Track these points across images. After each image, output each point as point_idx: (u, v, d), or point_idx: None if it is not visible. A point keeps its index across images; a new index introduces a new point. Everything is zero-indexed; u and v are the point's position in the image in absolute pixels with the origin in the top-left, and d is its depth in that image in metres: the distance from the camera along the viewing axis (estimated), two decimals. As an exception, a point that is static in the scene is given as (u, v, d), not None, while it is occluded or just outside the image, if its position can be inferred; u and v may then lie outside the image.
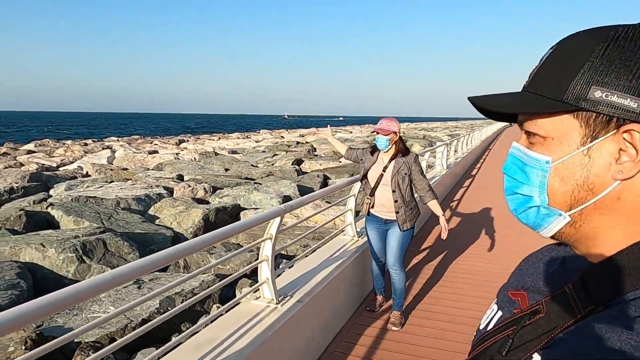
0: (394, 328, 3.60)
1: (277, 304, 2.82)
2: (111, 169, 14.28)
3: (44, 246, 5.48)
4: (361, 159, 3.71)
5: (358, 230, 4.41)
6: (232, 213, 8.26)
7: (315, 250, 3.94)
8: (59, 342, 1.50)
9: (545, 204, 0.59)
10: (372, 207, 3.62)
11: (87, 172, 14.03)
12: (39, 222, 7.34)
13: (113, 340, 3.67)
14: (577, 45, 0.57)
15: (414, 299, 4.18)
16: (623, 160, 0.54)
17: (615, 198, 0.55)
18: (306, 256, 3.82)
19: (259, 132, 46.77)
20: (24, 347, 3.27)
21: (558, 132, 0.57)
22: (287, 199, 9.48)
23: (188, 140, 31.18)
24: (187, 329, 4.19)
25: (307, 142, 26.51)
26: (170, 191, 10.19)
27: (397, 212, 3.50)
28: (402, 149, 3.51)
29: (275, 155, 18.01)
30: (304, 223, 7.28)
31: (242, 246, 6.40)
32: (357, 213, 4.62)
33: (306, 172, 13.79)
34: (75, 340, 3.58)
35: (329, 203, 7.77)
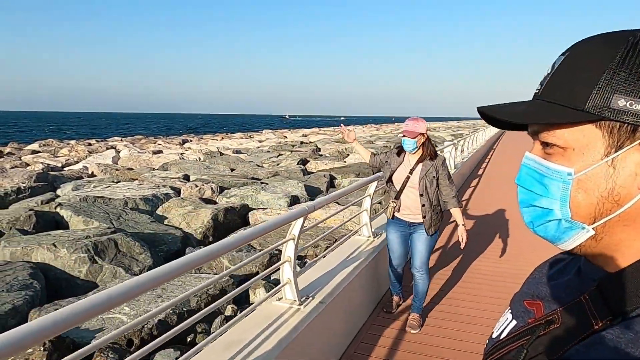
0: (412, 331, 3.57)
1: (299, 305, 2.80)
2: (117, 169, 14.27)
3: (55, 246, 5.47)
4: (386, 161, 3.56)
5: (373, 230, 4.39)
6: (240, 213, 8.24)
7: (331, 251, 3.91)
8: (88, 350, 1.45)
9: (568, 217, 0.56)
10: (398, 210, 3.51)
11: (92, 172, 14.03)
12: (48, 222, 7.33)
13: (130, 340, 3.66)
14: (595, 51, 0.55)
15: (431, 301, 4.16)
16: None
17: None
18: (324, 257, 3.80)
19: (261, 132, 46.78)
20: (42, 349, 3.25)
21: (579, 143, 0.55)
22: (294, 199, 9.47)
23: (191, 140, 31.19)
24: (202, 329, 4.21)
25: (310, 142, 26.50)
26: (177, 191, 10.18)
27: (424, 217, 3.39)
28: (430, 152, 3.39)
29: (280, 155, 17.99)
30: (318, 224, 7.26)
31: (252, 246, 6.38)
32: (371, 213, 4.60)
33: (312, 172, 13.77)
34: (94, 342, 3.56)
35: (338, 203, 7.76)
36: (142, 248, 5.79)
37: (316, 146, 22.52)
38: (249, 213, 8.28)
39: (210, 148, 22.66)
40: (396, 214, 3.55)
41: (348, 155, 17.77)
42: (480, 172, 13.20)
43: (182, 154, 19.02)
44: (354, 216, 4.45)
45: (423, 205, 3.37)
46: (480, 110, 0.62)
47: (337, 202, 8.13)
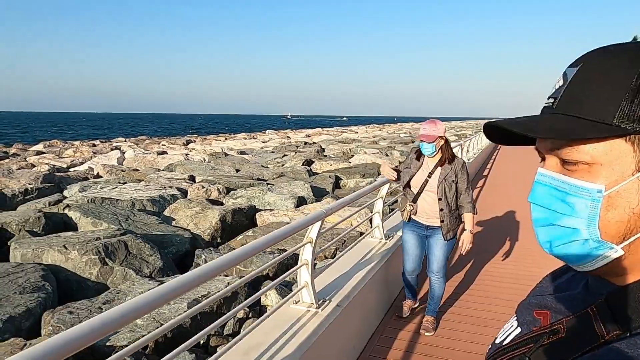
0: (426, 333, 3.56)
1: (317, 308, 2.80)
2: (122, 170, 14.30)
3: (66, 248, 5.48)
4: (407, 167, 3.50)
5: (385, 232, 4.39)
6: (248, 214, 8.24)
7: (344, 253, 3.91)
8: (121, 356, 1.45)
9: (597, 237, 0.54)
10: (415, 214, 3.47)
11: (98, 173, 14.06)
12: (57, 223, 7.35)
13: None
14: (616, 64, 0.53)
15: (444, 303, 4.16)
16: None
17: None
18: (336, 259, 3.80)
19: (264, 133, 46.82)
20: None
21: (607, 158, 0.52)
22: (301, 200, 9.47)
23: (195, 141, 31.23)
24: (216, 332, 4.21)
25: (314, 143, 26.50)
26: (184, 192, 10.20)
27: (442, 221, 3.33)
28: (449, 155, 3.31)
29: (285, 155, 17.99)
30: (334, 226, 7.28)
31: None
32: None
33: (317, 173, 13.77)
34: (108, 344, 3.57)
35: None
36: (152, 250, 5.80)
37: (320, 147, 22.53)
38: (256, 214, 8.29)
39: (214, 149, 22.69)
40: (413, 217, 3.50)
41: (352, 155, 17.77)
42: (485, 173, 13.18)
43: (186, 154, 19.05)
44: (367, 218, 4.45)
45: (441, 210, 3.31)
46: (493, 124, 0.59)
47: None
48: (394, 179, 3.57)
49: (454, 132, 39.02)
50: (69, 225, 7.39)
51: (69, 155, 20.26)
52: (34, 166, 14.72)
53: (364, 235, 4.34)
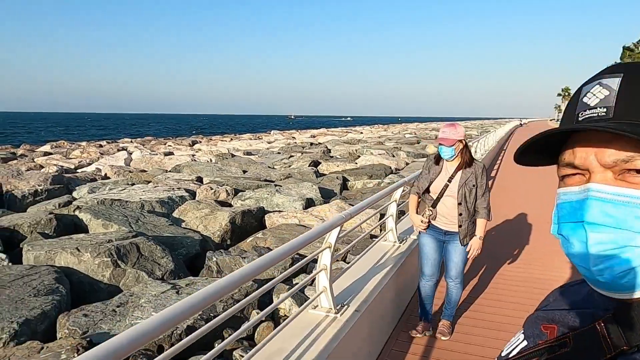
0: (443, 338, 3.56)
1: (336, 313, 2.80)
2: (129, 171, 14.35)
3: (78, 250, 5.50)
4: (427, 172, 3.42)
5: (399, 235, 4.38)
6: (257, 216, 8.25)
7: (359, 257, 3.90)
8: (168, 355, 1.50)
9: None
10: (434, 219, 3.40)
11: (105, 174, 14.10)
12: (68, 225, 7.38)
13: (161, 347, 3.67)
14: None
15: (459, 307, 4.15)
16: None
17: None
18: (352, 264, 3.79)
19: (269, 133, 46.86)
20: (76, 355, 3.27)
21: None
22: (309, 201, 9.47)
23: (201, 141, 31.30)
24: (229, 335, 4.21)
25: (320, 143, 26.50)
26: (192, 193, 10.21)
27: (460, 226, 3.28)
28: (468, 158, 3.25)
29: (292, 156, 17.99)
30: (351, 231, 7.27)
31: (271, 250, 6.38)
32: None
33: (324, 174, 13.77)
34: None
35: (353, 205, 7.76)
36: (163, 252, 5.82)
37: (326, 147, 22.52)
38: (265, 216, 8.29)
39: (220, 149, 22.73)
40: (431, 221, 3.44)
41: (359, 156, 17.75)
42: (493, 174, 13.14)
43: (193, 155, 19.09)
44: (381, 222, 4.44)
45: (460, 214, 3.26)
46: (579, 128, 0.55)
47: (350, 204, 8.13)
48: (424, 228, 3.46)
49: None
50: (79, 227, 7.42)
51: (76, 156, 20.35)
52: (42, 167, 14.78)
53: (377, 238, 4.34)
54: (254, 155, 20.19)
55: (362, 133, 41.27)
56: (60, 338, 3.89)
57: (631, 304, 0.54)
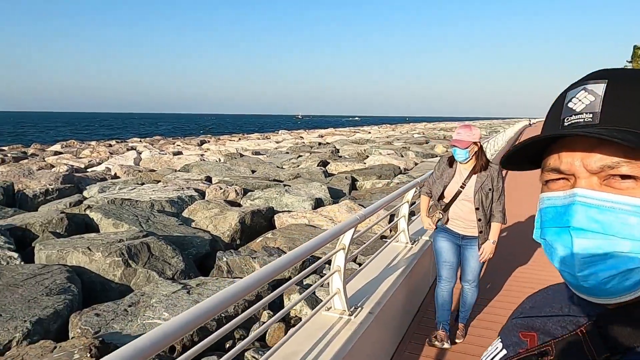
0: (456, 340, 3.52)
1: (349, 315, 2.78)
2: (139, 171, 14.41)
3: (90, 250, 5.52)
4: (439, 177, 3.32)
5: (411, 236, 4.35)
6: (266, 216, 8.25)
7: (372, 259, 3.87)
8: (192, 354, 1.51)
9: None
10: (446, 222, 3.33)
11: (115, 174, 14.18)
12: (79, 224, 7.42)
13: (172, 347, 3.67)
14: None
15: (472, 309, 4.11)
16: None
17: None
18: (365, 265, 3.77)
19: (277, 133, 46.91)
20: (88, 355, 3.28)
21: None
22: (318, 201, 9.46)
23: (209, 141, 31.40)
24: (241, 335, 4.21)
25: (328, 143, 26.48)
26: (201, 193, 10.23)
27: (480, 232, 3.18)
28: (483, 162, 3.14)
29: (300, 156, 17.98)
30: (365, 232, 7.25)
31: (281, 250, 6.38)
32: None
33: (333, 174, 13.74)
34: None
35: (364, 206, 7.74)
36: (173, 251, 5.82)
37: (335, 147, 22.50)
38: (275, 216, 8.29)
39: (229, 149, 22.79)
40: (448, 226, 3.35)
41: (367, 156, 17.71)
42: (504, 173, 13.04)
43: (202, 155, 19.15)
44: (393, 223, 4.41)
45: (479, 220, 3.16)
46: (579, 133, 0.54)
47: (360, 205, 8.10)
48: (433, 228, 3.43)
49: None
50: (90, 226, 7.46)
51: (86, 155, 20.48)
52: (53, 166, 14.89)
53: (390, 239, 4.31)
54: (262, 155, 20.21)
55: (370, 133, 41.18)
56: (72, 337, 3.91)
57: (614, 309, 0.54)
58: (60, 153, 21.38)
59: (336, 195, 10.46)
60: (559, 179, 0.57)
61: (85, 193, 10.43)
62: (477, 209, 3.14)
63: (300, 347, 2.40)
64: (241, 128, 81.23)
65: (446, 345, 3.39)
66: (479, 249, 3.25)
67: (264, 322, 4.44)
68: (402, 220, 4.32)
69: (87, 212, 7.78)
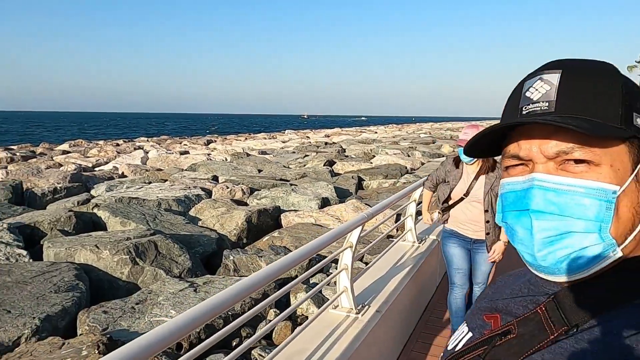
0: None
1: (357, 313, 2.77)
2: (146, 170, 14.48)
3: (98, 248, 5.55)
4: (443, 179, 3.28)
5: (418, 235, 4.34)
6: (273, 215, 8.25)
7: (379, 257, 3.86)
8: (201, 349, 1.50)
9: (610, 240, 0.54)
10: (446, 222, 3.29)
11: (122, 173, 14.26)
12: (87, 222, 7.46)
13: (180, 345, 3.68)
14: (600, 72, 0.57)
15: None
16: None
17: None
18: (372, 263, 3.76)
19: (284, 133, 46.95)
20: (96, 351, 3.29)
21: (611, 159, 0.55)
22: (325, 200, 9.45)
23: (216, 141, 31.48)
24: (247, 333, 4.21)
25: (334, 143, 26.46)
26: (208, 192, 10.26)
27: (487, 234, 3.14)
28: (490, 162, 3.08)
29: (306, 156, 17.98)
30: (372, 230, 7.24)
31: (288, 249, 6.38)
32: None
33: (339, 174, 13.73)
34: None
35: (370, 205, 7.72)
36: (180, 250, 5.84)
37: (341, 147, 22.47)
38: (281, 215, 8.29)
39: (235, 148, 22.84)
40: (457, 229, 3.28)
41: (374, 156, 17.68)
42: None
43: (208, 154, 19.20)
44: (401, 222, 4.39)
45: (487, 222, 3.10)
46: (540, 122, 0.56)
47: (366, 204, 8.08)
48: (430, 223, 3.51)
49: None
50: (97, 224, 7.50)
51: (94, 154, 20.61)
52: (61, 165, 14.99)
53: (397, 238, 4.29)
54: (268, 154, 20.24)
55: (376, 133, 41.12)
56: (80, 334, 3.93)
57: (570, 287, 0.58)
58: (69, 152, 21.53)
59: (343, 195, 10.45)
60: (519, 164, 0.60)
61: (92, 192, 10.50)
62: (486, 210, 3.09)
63: (307, 346, 2.40)
64: (248, 128, 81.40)
65: None
66: (488, 251, 3.20)
67: (270, 321, 4.44)
68: (409, 219, 4.31)
69: (95, 210, 7.83)
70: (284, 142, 29.20)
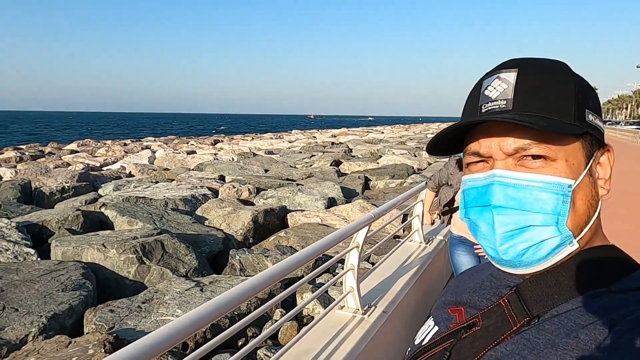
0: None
1: (363, 314, 2.75)
2: (153, 169, 14.54)
3: (105, 247, 5.57)
4: (446, 182, 3.20)
5: (425, 235, 4.31)
6: (279, 215, 8.25)
7: (386, 258, 3.84)
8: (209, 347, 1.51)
9: (567, 233, 0.56)
10: (448, 223, 3.24)
11: (130, 172, 14.33)
12: (94, 222, 7.50)
13: (186, 344, 3.68)
14: (554, 71, 0.59)
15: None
16: (607, 177, 0.60)
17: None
18: (379, 263, 3.74)
19: (290, 132, 46.98)
20: (102, 350, 3.30)
21: (566, 154, 0.57)
22: (331, 200, 9.43)
23: (223, 141, 31.56)
24: (253, 333, 4.21)
25: (341, 143, 26.43)
26: (215, 192, 10.28)
27: None
28: None
29: (313, 156, 17.97)
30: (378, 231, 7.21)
31: (294, 249, 6.37)
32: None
33: (346, 174, 13.71)
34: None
35: (377, 205, 7.69)
36: (187, 249, 5.85)
37: (348, 147, 22.45)
38: (287, 215, 8.28)
39: (242, 148, 22.88)
40: (466, 236, 3.15)
41: (381, 156, 17.63)
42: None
43: (215, 154, 19.25)
44: (407, 222, 4.37)
45: None
46: (505, 120, 0.57)
47: (373, 204, 8.05)
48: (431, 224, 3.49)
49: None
50: (105, 223, 7.54)
51: (102, 154, 20.74)
52: (69, 165, 15.09)
53: (404, 239, 4.27)
54: (275, 154, 20.25)
55: (383, 133, 41.03)
56: (87, 333, 3.94)
57: (530, 279, 0.60)
58: (77, 152, 21.68)
59: (349, 195, 10.43)
60: (479, 161, 0.62)
61: (100, 191, 10.55)
62: None
63: (313, 346, 2.38)
64: (254, 128, 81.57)
65: None
66: None
67: (276, 321, 4.44)
68: (416, 219, 4.28)
69: (102, 209, 7.86)
70: (290, 142, 29.22)
